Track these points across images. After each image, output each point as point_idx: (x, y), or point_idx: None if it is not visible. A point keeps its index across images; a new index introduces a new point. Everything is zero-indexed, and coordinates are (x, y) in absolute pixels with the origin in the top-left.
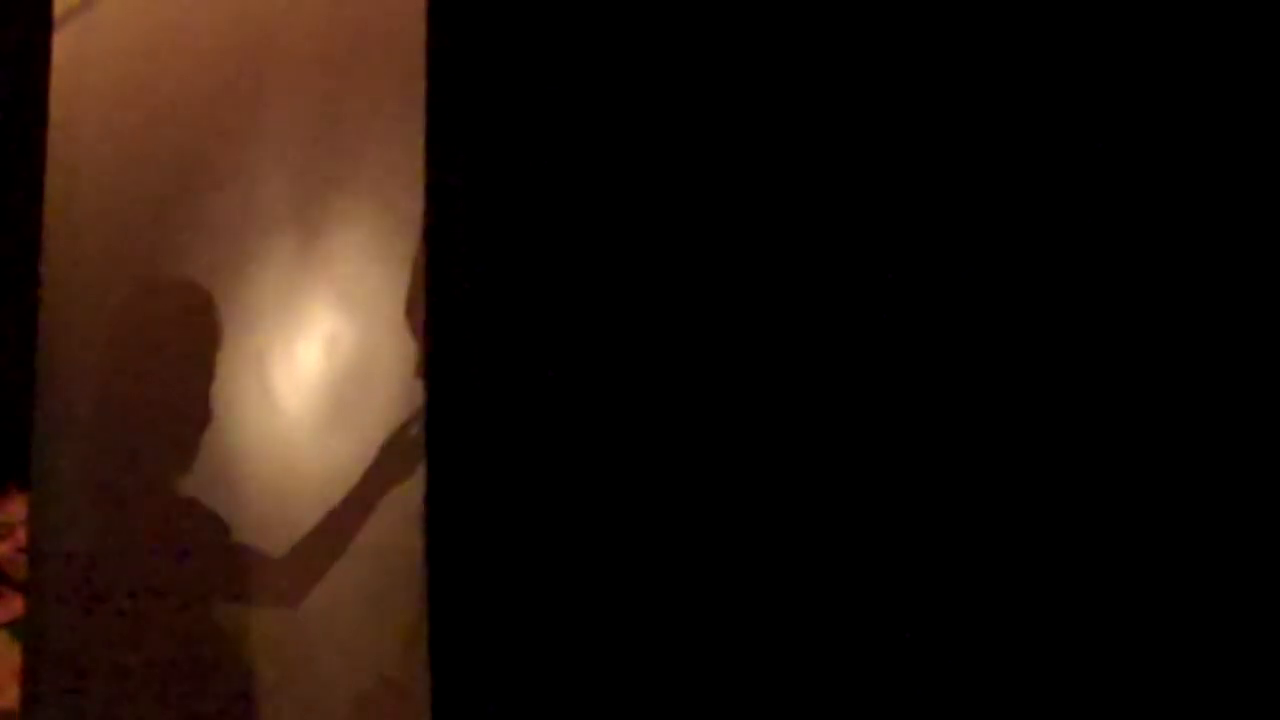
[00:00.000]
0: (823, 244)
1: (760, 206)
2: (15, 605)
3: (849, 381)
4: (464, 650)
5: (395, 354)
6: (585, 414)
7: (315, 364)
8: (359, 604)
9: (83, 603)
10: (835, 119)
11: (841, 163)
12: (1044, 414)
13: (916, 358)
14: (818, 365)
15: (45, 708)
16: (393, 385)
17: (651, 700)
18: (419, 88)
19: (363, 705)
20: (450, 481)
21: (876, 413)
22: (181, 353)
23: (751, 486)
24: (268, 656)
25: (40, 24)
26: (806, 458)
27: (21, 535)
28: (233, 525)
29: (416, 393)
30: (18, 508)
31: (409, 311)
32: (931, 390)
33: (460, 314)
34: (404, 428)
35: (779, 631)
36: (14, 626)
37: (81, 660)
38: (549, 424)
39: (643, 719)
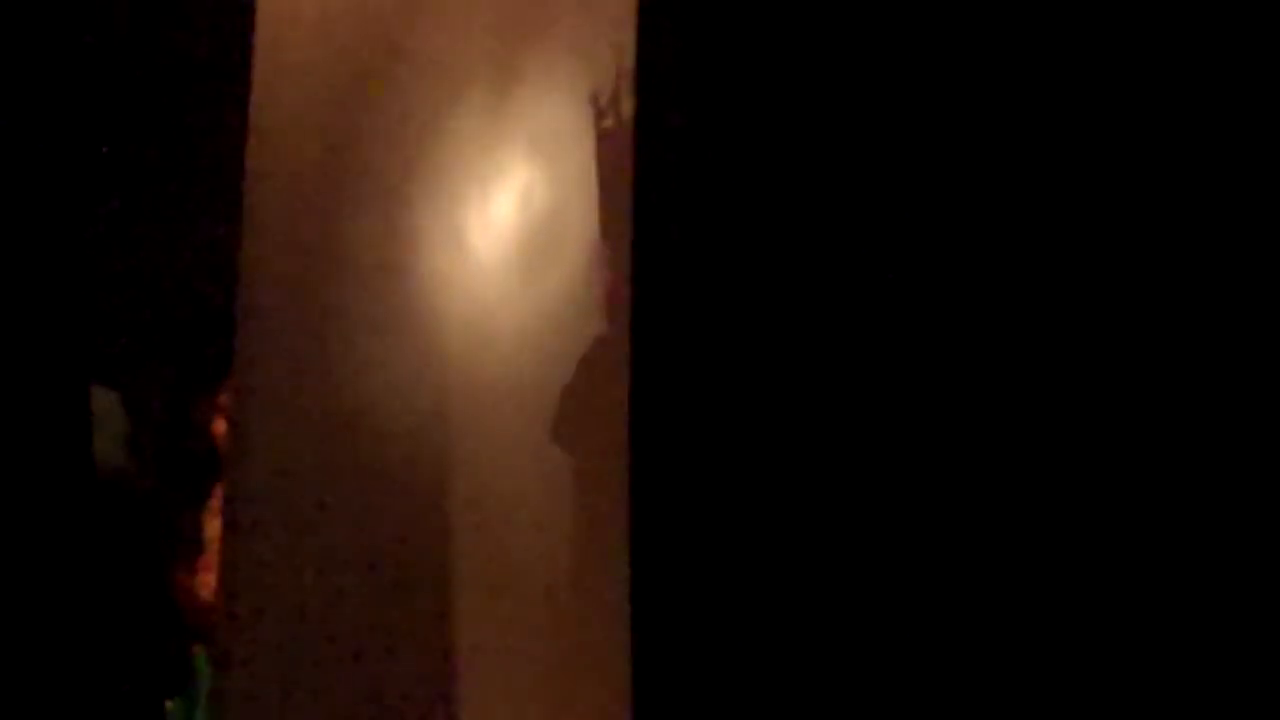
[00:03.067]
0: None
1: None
2: None
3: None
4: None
5: (588, 210)
6: (798, 327)
7: (508, 214)
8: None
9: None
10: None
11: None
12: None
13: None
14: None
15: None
16: (583, 239)
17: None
18: None
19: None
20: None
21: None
22: (376, 207)
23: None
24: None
25: None
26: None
27: None
28: (425, 377)
29: (605, 249)
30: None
31: (608, 169)
32: None
33: (670, 180)
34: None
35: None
36: None
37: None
38: (761, 333)
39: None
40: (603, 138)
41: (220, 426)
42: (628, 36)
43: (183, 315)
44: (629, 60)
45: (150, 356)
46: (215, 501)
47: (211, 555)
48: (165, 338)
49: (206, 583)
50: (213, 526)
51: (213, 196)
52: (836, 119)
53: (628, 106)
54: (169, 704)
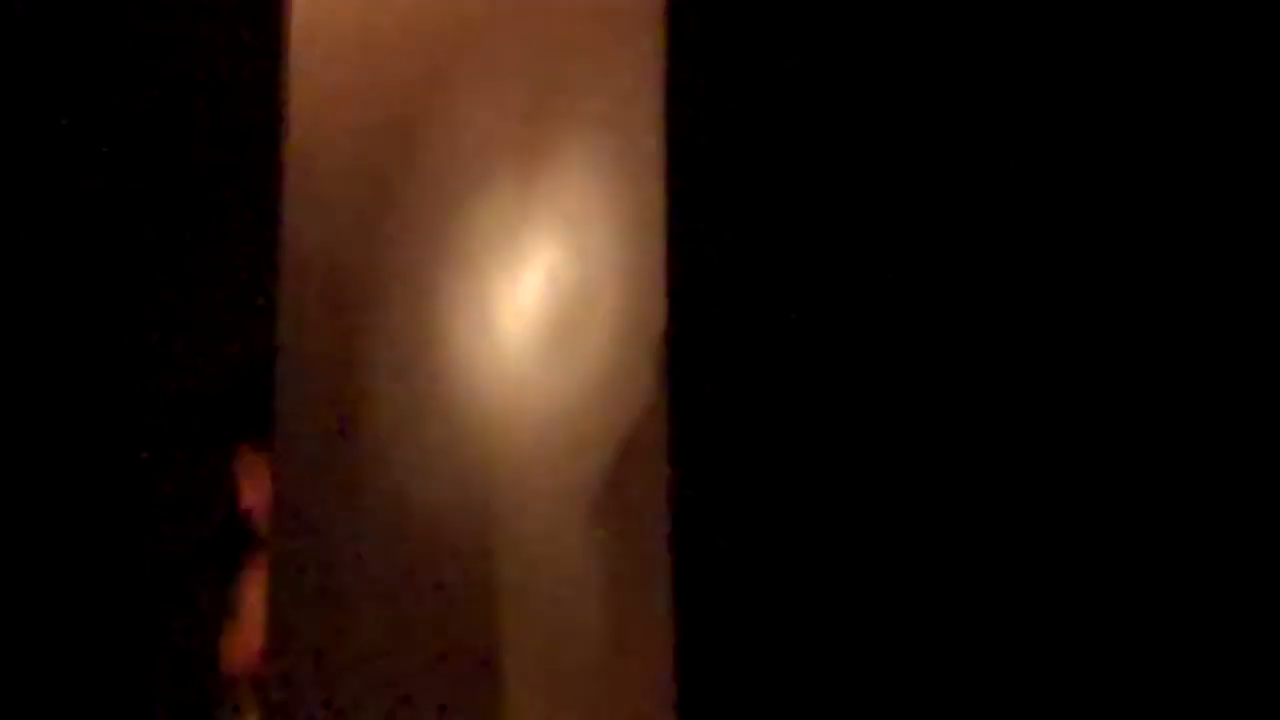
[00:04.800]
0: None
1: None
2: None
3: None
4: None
5: (618, 292)
6: (839, 391)
7: (537, 300)
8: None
9: (318, 544)
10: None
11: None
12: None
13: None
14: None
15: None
16: (614, 324)
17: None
18: (658, 13)
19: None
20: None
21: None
22: (406, 296)
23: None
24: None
25: None
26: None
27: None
28: (458, 463)
29: (638, 330)
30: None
31: (638, 248)
32: None
33: (703, 262)
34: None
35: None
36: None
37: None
38: (800, 404)
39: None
40: (633, 216)
41: (255, 499)
42: (656, 112)
43: (221, 390)
44: (659, 138)
45: (187, 430)
46: (251, 574)
47: (244, 626)
48: (203, 412)
49: (238, 654)
50: (248, 599)
51: (248, 283)
52: (871, 184)
53: (656, 178)
54: None
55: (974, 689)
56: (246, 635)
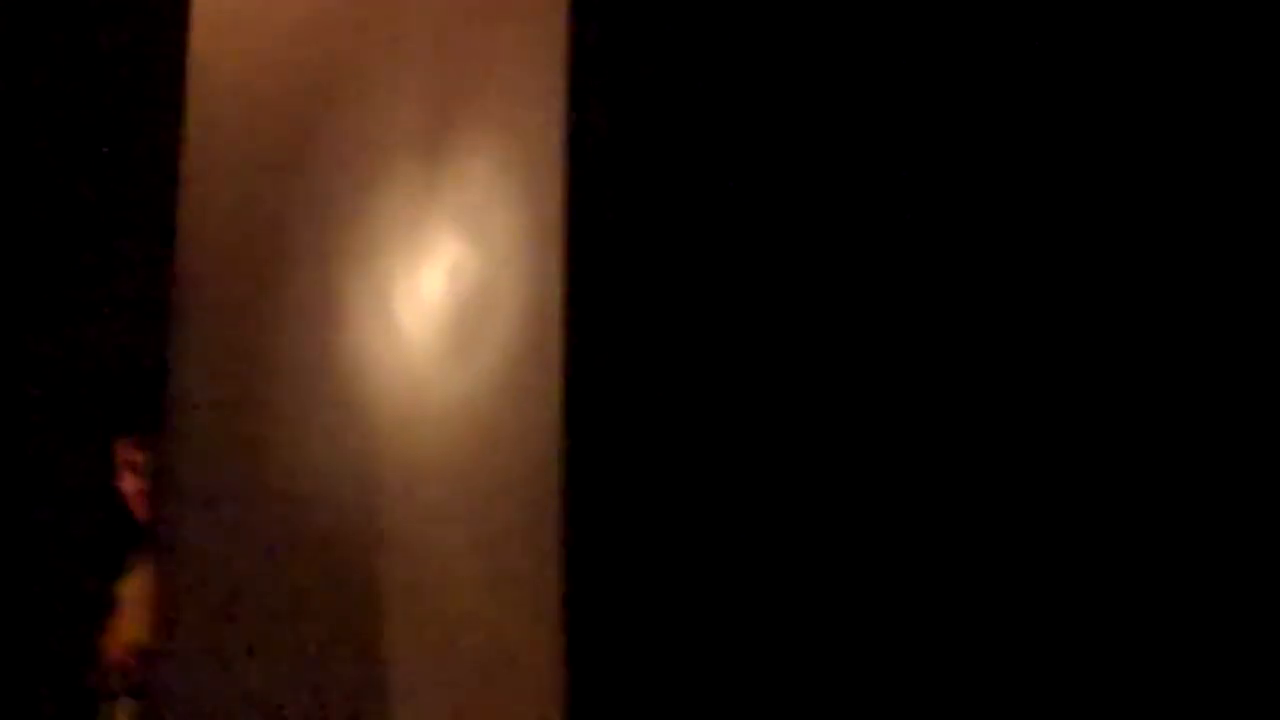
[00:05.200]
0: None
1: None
2: None
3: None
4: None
5: (518, 285)
6: (735, 390)
7: (438, 293)
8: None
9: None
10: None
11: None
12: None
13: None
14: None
15: (187, 644)
16: (515, 317)
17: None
18: (561, 14)
19: (489, 665)
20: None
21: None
22: (305, 285)
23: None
24: (398, 599)
25: None
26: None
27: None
28: (355, 453)
29: (538, 326)
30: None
31: (538, 244)
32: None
33: (602, 259)
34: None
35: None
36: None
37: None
38: (697, 401)
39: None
40: (534, 212)
41: (133, 484)
42: (558, 110)
43: (113, 377)
44: (559, 134)
45: (78, 417)
46: (135, 568)
47: (125, 617)
48: (94, 399)
49: (117, 643)
50: (128, 590)
51: (143, 273)
52: (777, 191)
53: (558, 181)
54: None
55: (870, 686)
56: (127, 625)
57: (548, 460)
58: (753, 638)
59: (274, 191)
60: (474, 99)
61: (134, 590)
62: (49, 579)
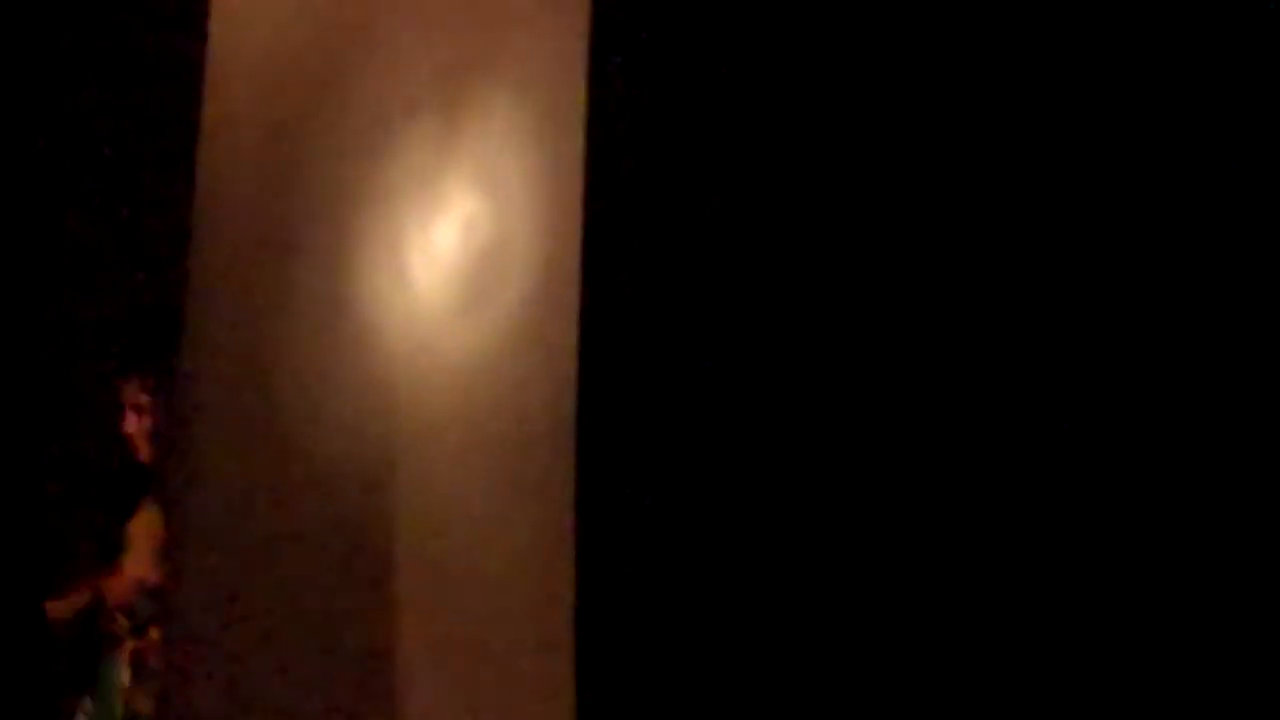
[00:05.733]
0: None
1: None
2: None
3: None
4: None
5: (531, 241)
6: (751, 353)
7: (451, 247)
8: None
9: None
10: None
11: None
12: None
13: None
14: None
15: (190, 582)
16: (527, 272)
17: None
18: None
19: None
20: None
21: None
22: (321, 240)
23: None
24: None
25: None
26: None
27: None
28: (370, 405)
29: (555, 279)
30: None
31: (554, 202)
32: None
33: (619, 219)
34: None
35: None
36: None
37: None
38: (712, 362)
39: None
40: (550, 171)
41: (137, 425)
42: (578, 70)
43: (127, 322)
44: (578, 93)
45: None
46: (142, 509)
47: (130, 556)
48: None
49: (122, 582)
50: (134, 529)
51: (163, 223)
52: (792, 153)
53: (577, 140)
54: (87, 707)
55: (870, 680)
56: (132, 563)
57: (564, 412)
58: (759, 593)
59: (292, 146)
60: (493, 60)
61: (139, 530)
62: (57, 520)
